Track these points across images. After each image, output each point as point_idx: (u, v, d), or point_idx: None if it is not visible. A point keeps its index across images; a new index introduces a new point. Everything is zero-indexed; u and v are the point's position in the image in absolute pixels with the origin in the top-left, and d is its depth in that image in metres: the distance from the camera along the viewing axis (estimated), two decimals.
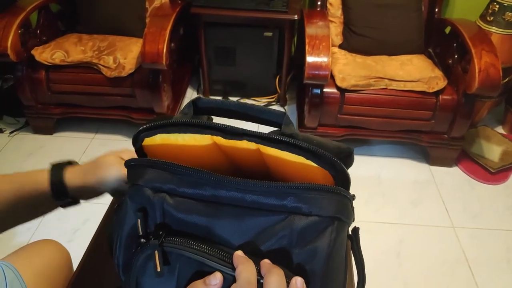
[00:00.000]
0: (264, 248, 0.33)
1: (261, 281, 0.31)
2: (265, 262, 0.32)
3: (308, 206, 0.32)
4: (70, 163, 0.58)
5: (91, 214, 1.57)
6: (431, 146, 1.81)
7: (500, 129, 2.11)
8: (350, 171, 0.40)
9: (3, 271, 0.67)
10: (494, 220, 1.62)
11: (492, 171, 1.79)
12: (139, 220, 0.35)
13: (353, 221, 0.37)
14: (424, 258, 1.47)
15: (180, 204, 0.35)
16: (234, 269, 0.31)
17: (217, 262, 0.32)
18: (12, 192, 0.54)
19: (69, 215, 1.58)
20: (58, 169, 0.56)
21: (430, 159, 1.87)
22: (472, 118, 1.70)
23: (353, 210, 0.36)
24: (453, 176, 1.82)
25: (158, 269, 0.33)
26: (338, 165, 0.34)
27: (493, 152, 1.86)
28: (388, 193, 1.73)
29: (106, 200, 0.77)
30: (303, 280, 0.31)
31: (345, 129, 1.80)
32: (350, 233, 0.39)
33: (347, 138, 1.81)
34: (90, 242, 0.68)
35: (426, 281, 1.39)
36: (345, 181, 0.36)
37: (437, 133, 1.76)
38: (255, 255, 0.32)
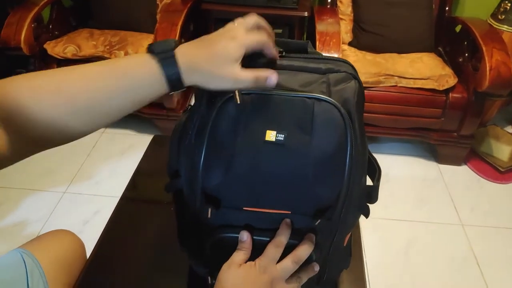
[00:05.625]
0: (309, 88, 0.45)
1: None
2: (283, 222, 0.49)
3: (337, 68, 0.48)
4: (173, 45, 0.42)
5: (101, 206, 1.59)
6: (440, 144, 1.81)
7: (509, 129, 2.10)
8: None
9: (23, 258, 0.69)
10: (503, 218, 1.62)
11: (501, 170, 1.79)
12: None
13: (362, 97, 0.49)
14: (432, 255, 1.47)
15: None
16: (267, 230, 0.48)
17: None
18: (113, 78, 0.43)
19: (80, 207, 1.60)
20: (169, 64, 0.41)
21: (439, 157, 1.86)
22: (481, 116, 1.69)
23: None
24: (462, 175, 1.82)
25: (238, 102, 0.43)
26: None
27: (502, 151, 1.86)
28: (396, 191, 1.73)
29: (117, 192, 0.79)
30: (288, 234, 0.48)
31: None
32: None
33: None
34: (102, 232, 0.70)
35: (434, 279, 1.39)
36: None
37: (447, 131, 1.76)
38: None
